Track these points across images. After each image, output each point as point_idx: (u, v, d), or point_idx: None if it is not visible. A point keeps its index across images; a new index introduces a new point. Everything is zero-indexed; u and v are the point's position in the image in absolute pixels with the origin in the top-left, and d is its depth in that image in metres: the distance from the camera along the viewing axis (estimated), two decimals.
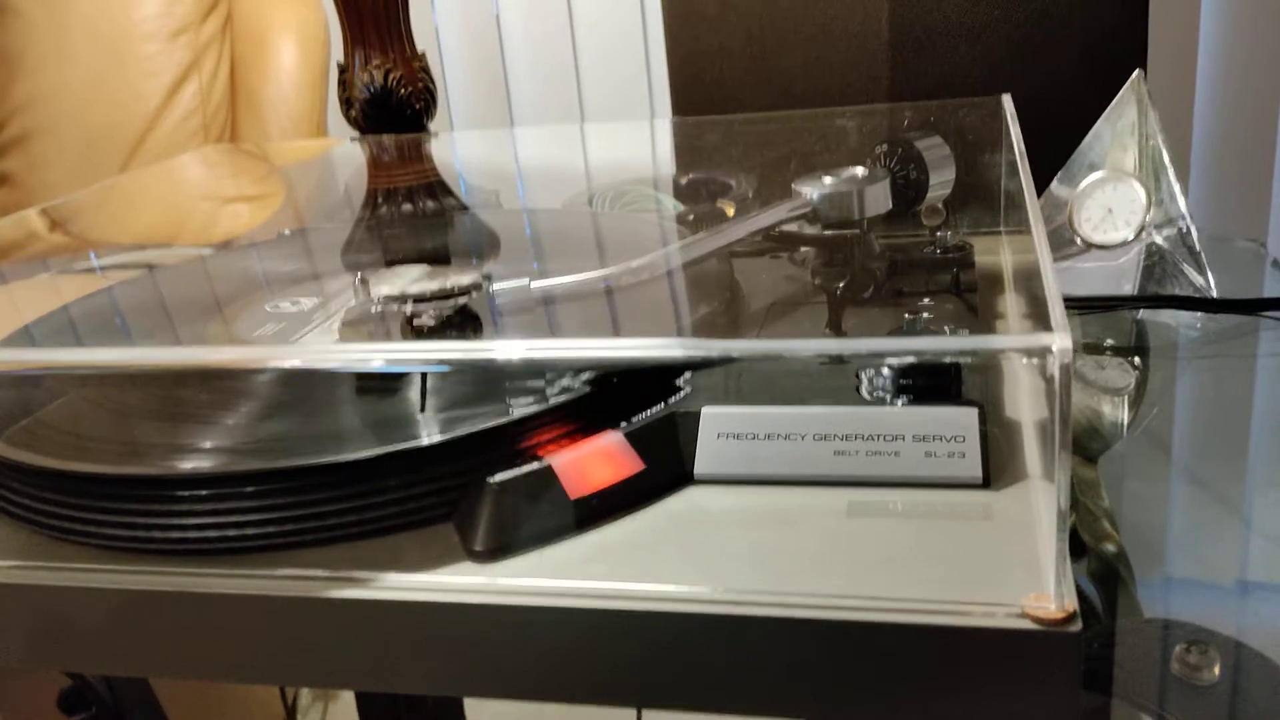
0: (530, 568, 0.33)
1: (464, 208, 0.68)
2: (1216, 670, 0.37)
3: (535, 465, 0.35)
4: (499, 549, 0.33)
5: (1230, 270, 0.68)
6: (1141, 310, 0.66)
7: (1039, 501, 0.32)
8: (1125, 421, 0.57)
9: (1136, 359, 0.64)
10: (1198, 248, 0.66)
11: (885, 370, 0.37)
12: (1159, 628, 0.39)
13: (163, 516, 0.35)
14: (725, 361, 0.38)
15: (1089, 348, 0.65)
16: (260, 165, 0.81)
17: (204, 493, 0.35)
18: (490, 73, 1.31)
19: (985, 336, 0.26)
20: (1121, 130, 0.71)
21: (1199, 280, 0.66)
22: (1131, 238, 0.67)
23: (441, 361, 0.34)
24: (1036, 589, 0.28)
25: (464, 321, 0.41)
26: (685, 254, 0.45)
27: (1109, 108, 0.71)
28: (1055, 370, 0.26)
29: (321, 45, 1.16)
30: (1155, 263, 0.69)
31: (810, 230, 0.48)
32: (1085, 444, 0.54)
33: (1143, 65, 0.82)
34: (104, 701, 0.54)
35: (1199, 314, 0.65)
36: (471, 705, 0.72)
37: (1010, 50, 0.83)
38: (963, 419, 0.35)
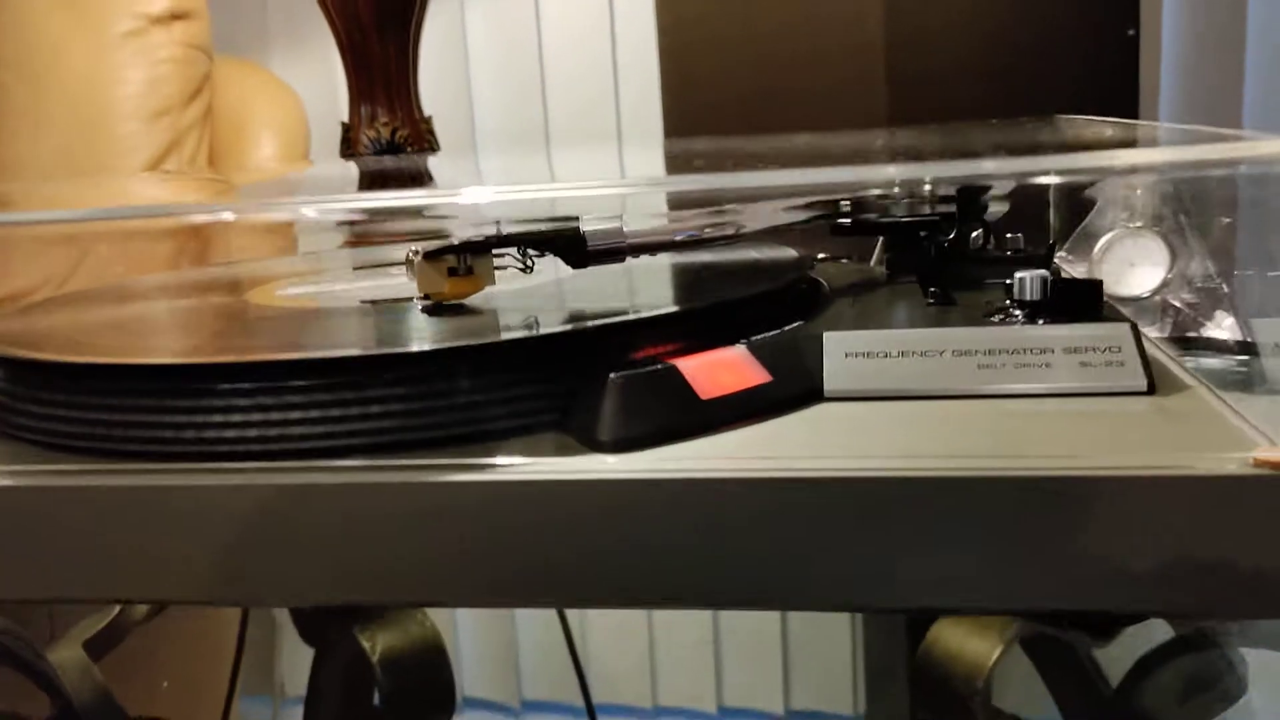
0: (662, 459, 0.29)
1: None
2: None
3: (659, 365, 0.31)
4: (625, 441, 0.29)
5: None
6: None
7: (1216, 401, 0.30)
8: None
9: None
10: (1227, 292, 0.66)
11: (1022, 294, 0.35)
12: None
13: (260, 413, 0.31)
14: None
15: None
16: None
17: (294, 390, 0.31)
18: (460, 111, 1.29)
19: (1210, 144, 0.24)
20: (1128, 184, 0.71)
21: (1231, 324, 0.66)
22: (1157, 286, 0.66)
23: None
24: None
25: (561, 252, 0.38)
26: (777, 218, 0.43)
27: None
28: None
29: (302, 139, 1.15)
30: (1185, 316, 0.68)
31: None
32: None
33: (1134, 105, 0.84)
34: None
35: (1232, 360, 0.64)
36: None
37: (1006, 85, 0.85)
38: (1115, 331, 0.33)
